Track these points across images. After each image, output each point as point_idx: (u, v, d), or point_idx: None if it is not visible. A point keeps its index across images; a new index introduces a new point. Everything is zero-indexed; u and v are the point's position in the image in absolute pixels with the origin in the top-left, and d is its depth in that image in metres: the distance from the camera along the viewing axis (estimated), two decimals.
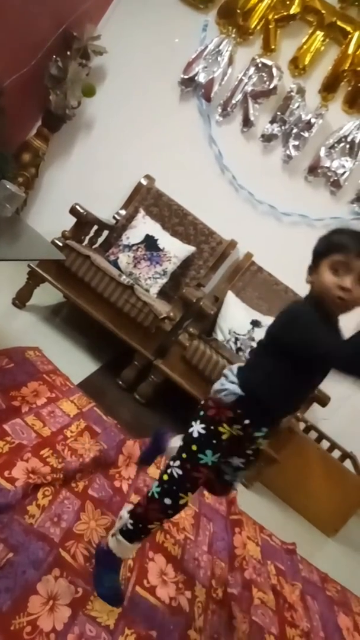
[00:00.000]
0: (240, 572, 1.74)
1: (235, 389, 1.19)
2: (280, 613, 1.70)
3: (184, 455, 1.21)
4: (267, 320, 2.75)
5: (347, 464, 2.79)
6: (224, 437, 1.19)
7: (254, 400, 1.18)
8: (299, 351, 1.12)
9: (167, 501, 1.20)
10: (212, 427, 1.19)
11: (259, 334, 2.71)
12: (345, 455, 2.86)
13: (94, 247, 2.78)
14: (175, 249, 2.70)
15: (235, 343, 2.71)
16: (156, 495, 1.21)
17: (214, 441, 1.19)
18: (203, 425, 1.20)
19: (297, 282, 2.90)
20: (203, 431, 1.20)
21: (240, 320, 2.75)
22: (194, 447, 1.20)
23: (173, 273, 2.71)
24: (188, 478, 1.19)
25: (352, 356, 1.02)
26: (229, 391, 1.19)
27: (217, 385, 1.23)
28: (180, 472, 1.20)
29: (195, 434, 1.20)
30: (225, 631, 1.44)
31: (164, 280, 2.67)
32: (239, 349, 2.69)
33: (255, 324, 2.74)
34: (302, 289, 3.10)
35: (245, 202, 3.00)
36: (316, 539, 2.49)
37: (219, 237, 2.90)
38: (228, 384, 1.20)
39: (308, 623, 1.76)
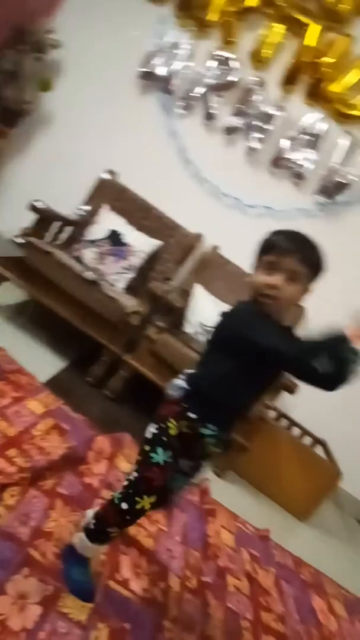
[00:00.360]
0: (214, 560, 1.76)
1: (182, 383, 1.23)
2: (255, 599, 1.73)
3: (138, 458, 1.22)
4: None
5: (318, 450, 2.84)
6: (172, 432, 1.20)
7: (198, 394, 1.21)
8: (246, 348, 1.13)
9: (124, 506, 1.18)
10: (161, 424, 1.21)
11: None
12: (316, 441, 2.92)
13: (57, 243, 2.74)
14: (141, 244, 2.70)
15: (205, 336, 2.72)
16: (116, 500, 1.20)
17: (164, 438, 1.19)
18: (155, 425, 1.23)
19: None
20: (155, 430, 1.22)
21: (208, 313, 2.76)
22: (147, 447, 1.21)
23: (140, 268, 2.71)
24: (142, 480, 1.18)
25: (301, 354, 1.07)
26: (176, 386, 1.23)
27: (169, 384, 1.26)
28: (135, 474, 1.20)
29: (148, 435, 1.22)
30: (200, 619, 1.45)
31: (131, 275, 2.66)
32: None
33: None
34: None
35: (210, 195, 3.01)
36: (290, 525, 2.54)
37: (185, 230, 2.91)
38: (177, 380, 1.24)
39: (283, 607, 1.79)
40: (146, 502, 1.18)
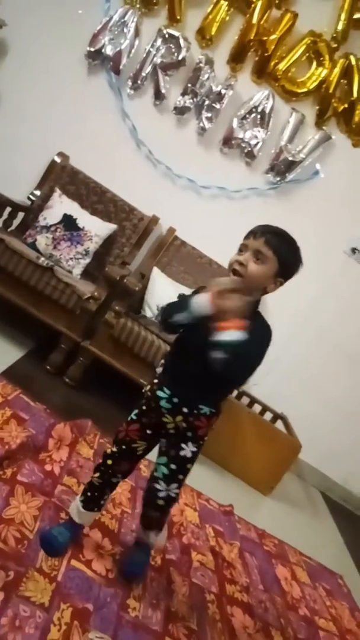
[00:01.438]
0: (178, 538, 1.79)
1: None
2: (219, 572, 1.77)
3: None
4: None
5: (279, 424, 2.91)
6: (144, 396, 1.39)
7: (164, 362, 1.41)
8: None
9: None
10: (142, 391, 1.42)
11: None
12: (277, 416, 2.99)
13: (9, 230, 2.68)
14: (96, 228, 2.66)
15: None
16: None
17: (141, 401, 1.40)
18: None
19: (220, 254, 2.95)
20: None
21: (167, 296, 2.76)
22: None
23: (96, 252, 2.67)
24: (116, 433, 1.42)
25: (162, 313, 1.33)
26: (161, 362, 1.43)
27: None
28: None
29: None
30: (164, 595, 1.48)
31: (87, 260, 2.63)
32: None
33: None
34: (224, 260, 3.15)
35: (164, 177, 2.99)
36: (254, 499, 2.60)
37: (140, 213, 2.88)
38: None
39: (247, 578, 1.84)
40: (109, 449, 1.42)
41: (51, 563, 1.29)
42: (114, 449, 1.40)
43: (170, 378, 1.35)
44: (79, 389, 2.43)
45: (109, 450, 1.41)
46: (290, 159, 2.89)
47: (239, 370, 1.22)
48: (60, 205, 2.66)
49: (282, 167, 2.91)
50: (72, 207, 2.67)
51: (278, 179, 2.94)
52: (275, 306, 3.03)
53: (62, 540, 1.37)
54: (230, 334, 1.15)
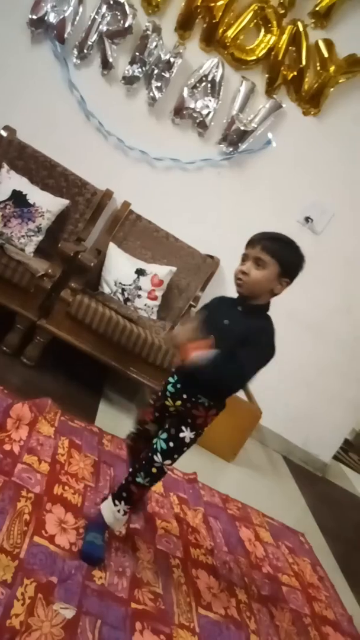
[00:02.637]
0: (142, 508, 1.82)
1: None
2: (184, 537, 1.82)
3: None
4: (152, 268, 2.78)
5: (240, 393, 2.97)
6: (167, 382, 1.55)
7: None
8: None
9: None
10: None
11: (145, 282, 2.74)
12: None
13: None
14: (48, 204, 2.60)
15: (123, 294, 2.71)
16: None
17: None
18: None
19: (176, 227, 2.95)
20: None
21: (124, 271, 2.75)
22: None
23: (49, 229, 2.62)
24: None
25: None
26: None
27: None
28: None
29: None
30: (130, 563, 1.52)
31: (40, 237, 2.57)
32: (126, 300, 2.70)
33: (140, 272, 2.76)
34: (181, 233, 3.15)
35: (116, 149, 2.93)
36: (217, 466, 2.66)
37: (93, 187, 2.83)
38: None
39: (211, 541, 1.90)
40: (131, 429, 1.66)
41: (13, 541, 1.30)
42: (134, 429, 1.66)
43: (181, 368, 1.50)
44: (38, 369, 2.41)
45: (129, 432, 1.68)
46: (242, 128, 2.88)
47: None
48: (9, 181, 2.58)
49: (234, 137, 2.90)
50: (21, 183, 2.59)
51: (231, 149, 2.93)
52: (232, 280, 3.08)
53: (98, 542, 1.47)
54: (198, 355, 1.30)
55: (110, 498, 1.52)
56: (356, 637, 1.89)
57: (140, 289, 2.72)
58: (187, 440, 1.46)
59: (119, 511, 1.49)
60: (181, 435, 1.45)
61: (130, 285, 2.72)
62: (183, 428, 1.45)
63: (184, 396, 1.45)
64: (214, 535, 1.95)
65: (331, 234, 3.10)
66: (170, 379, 1.53)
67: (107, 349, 2.43)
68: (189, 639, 1.36)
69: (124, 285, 2.72)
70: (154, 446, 1.47)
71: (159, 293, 2.78)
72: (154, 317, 2.77)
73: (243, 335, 1.37)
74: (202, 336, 1.36)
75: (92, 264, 2.41)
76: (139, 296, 2.72)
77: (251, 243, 1.42)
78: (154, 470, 1.46)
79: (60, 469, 1.73)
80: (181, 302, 2.95)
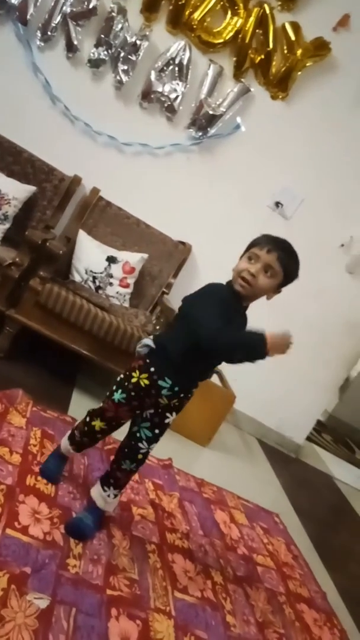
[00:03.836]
0: None
1: (150, 342, 1.50)
2: (160, 523, 1.83)
3: (107, 394, 1.55)
4: (123, 255, 2.76)
5: (214, 378, 2.99)
6: (133, 380, 1.49)
7: (159, 351, 1.47)
8: (189, 322, 1.40)
9: (87, 419, 1.61)
10: (127, 373, 1.52)
11: (116, 269, 2.71)
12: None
13: None
14: (14, 191, 2.54)
15: (94, 282, 2.68)
16: (86, 416, 1.62)
17: (125, 383, 1.51)
18: (124, 372, 1.54)
19: (146, 213, 2.92)
20: (122, 376, 1.54)
21: (95, 259, 2.72)
22: (113, 387, 1.54)
23: (16, 217, 2.56)
24: (100, 407, 1.57)
25: (214, 340, 1.32)
26: (144, 344, 1.51)
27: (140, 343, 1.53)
28: (101, 404, 1.58)
29: (118, 378, 1.55)
30: (105, 550, 1.52)
31: (6, 225, 2.52)
32: (98, 288, 2.68)
33: (111, 260, 2.73)
34: (152, 220, 3.13)
35: (84, 135, 2.88)
36: (193, 451, 2.68)
37: (61, 173, 2.78)
38: (147, 340, 1.51)
39: (187, 525, 1.92)
40: (97, 423, 1.57)
41: None
42: (103, 425, 1.57)
43: (173, 370, 1.45)
44: (8, 360, 2.37)
45: (97, 427, 1.57)
46: (211, 112, 2.86)
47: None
48: None
49: (203, 122, 2.88)
50: None
51: (200, 133, 2.91)
52: (204, 264, 3.09)
53: (87, 522, 1.53)
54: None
55: (98, 484, 1.58)
56: (330, 612, 1.94)
57: (111, 276, 2.70)
58: (171, 422, 1.53)
59: (109, 496, 1.56)
60: (166, 421, 1.52)
61: (101, 273, 2.69)
62: (168, 415, 1.51)
63: (181, 395, 1.49)
64: (189, 520, 1.97)
65: (301, 219, 3.12)
66: (163, 384, 1.45)
67: (79, 338, 2.40)
68: (165, 622, 1.38)
69: (95, 273, 2.69)
70: (138, 434, 1.51)
71: (130, 280, 2.76)
72: (126, 304, 2.75)
73: None
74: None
75: (61, 251, 2.37)
76: (111, 284, 2.70)
77: (266, 247, 1.40)
78: (139, 456, 1.52)
79: (32, 459, 1.71)
80: (153, 289, 2.94)
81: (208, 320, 1.34)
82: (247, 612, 1.64)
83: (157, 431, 1.51)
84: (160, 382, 1.46)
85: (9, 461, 1.62)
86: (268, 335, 1.31)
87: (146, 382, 1.47)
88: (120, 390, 1.51)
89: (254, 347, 1.32)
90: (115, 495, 1.57)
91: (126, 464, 1.53)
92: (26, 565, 1.26)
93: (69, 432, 1.67)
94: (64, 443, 1.67)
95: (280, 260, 1.40)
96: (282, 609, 1.78)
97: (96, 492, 1.58)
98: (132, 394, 1.49)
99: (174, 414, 1.52)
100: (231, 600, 1.64)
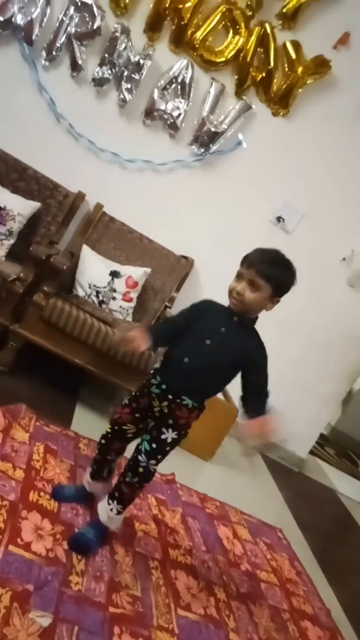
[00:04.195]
0: None
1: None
2: (162, 539, 1.83)
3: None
4: (126, 270, 2.78)
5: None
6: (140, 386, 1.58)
7: (164, 357, 1.55)
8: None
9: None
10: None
11: (119, 284, 2.73)
12: None
13: None
14: (19, 207, 2.57)
15: (97, 296, 2.70)
16: None
17: (135, 391, 1.60)
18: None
19: (149, 228, 2.95)
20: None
21: (98, 273, 2.74)
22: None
23: (21, 232, 2.60)
24: (112, 414, 1.62)
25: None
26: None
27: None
28: None
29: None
30: (108, 567, 1.52)
31: (11, 241, 2.55)
32: (101, 302, 2.70)
33: (115, 274, 2.75)
34: (155, 235, 3.15)
35: (88, 151, 2.92)
36: (195, 465, 2.68)
37: (65, 189, 2.81)
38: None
39: (190, 541, 1.92)
40: (106, 427, 1.62)
41: None
42: (108, 429, 1.62)
43: (163, 367, 1.53)
44: (11, 374, 2.38)
45: (104, 430, 1.62)
46: (213, 129, 2.90)
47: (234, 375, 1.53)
48: None
49: (205, 139, 2.92)
50: None
51: (202, 150, 2.94)
52: (206, 278, 3.11)
53: (68, 494, 1.67)
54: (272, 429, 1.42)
55: (105, 498, 1.59)
56: (334, 629, 1.93)
57: (114, 291, 2.72)
58: (170, 440, 1.51)
59: (112, 510, 1.56)
60: (162, 437, 1.51)
61: (104, 287, 2.71)
62: (164, 430, 1.51)
63: (169, 397, 1.50)
64: (192, 535, 1.97)
65: (302, 233, 3.15)
66: (154, 381, 1.53)
67: (83, 352, 2.42)
68: None
69: (99, 287, 2.71)
70: (139, 446, 1.53)
71: (133, 295, 2.78)
72: (129, 319, 2.77)
73: (243, 353, 1.50)
74: (194, 339, 1.50)
75: (64, 266, 2.40)
76: (114, 298, 2.72)
77: (246, 264, 1.44)
78: (140, 469, 1.52)
79: (35, 475, 1.72)
80: (156, 303, 2.96)
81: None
82: (250, 630, 1.63)
83: (154, 446, 1.51)
84: (152, 380, 1.54)
85: (12, 477, 1.62)
86: (256, 421, 1.44)
87: (144, 381, 1.58)
88: (129, 396, 1.61)
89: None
90: (119, 512, 1.57)
91: (129, 476, 1.54)
92: (29, 583, 1.26)
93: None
94: (85, 475, 1.73)
95: (260, 274, 1.41)
96: (286, 627, 1.77)
97: (101, 506, 1.60)
98: (136, 393, 1.58)
99: (169, 431, 1.50)
100: (234, 618, 1.64)
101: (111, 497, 1.57)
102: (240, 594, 1.79)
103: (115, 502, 1.56)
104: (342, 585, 2.34)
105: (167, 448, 1.53)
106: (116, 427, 1.60)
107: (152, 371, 1.59)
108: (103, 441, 1.62)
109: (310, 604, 1.99)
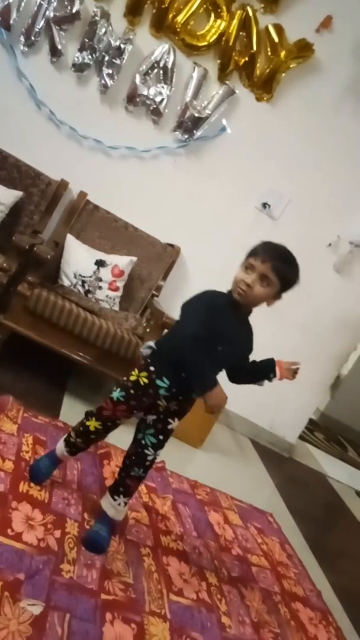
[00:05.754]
0: None
1: (152, 344, 1.54)
2: (154, 526, 1.83)
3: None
4: (112, 259, 2.76)
5: None
6: (132, 378, 1.51)
7: (160, 353, 1.51)
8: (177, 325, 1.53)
9: (84, 418, 1.60)
10: (129, 373, 1.53)
11: (105, 273, 2.71)
12: None
13: None
14: (0, 196, 2.54)
15: (83, 286, 2.68)
16: (84, 415, 1.62)
17: (125, 382, 1.53)
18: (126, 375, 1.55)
19: (134, 216, 2.92)
20: (124, 378, 1.54)
21: (84, 263, 2.72)
22: (114, 387, 1.55)
23: (3, 222, 2.56)
24: (98, 407, 1.57)
25: (187, 353, 1.40)
26: (147, 346, 1.54)
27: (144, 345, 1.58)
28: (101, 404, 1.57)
29: (121, 380, 1.57)
30: (99, 556, 1.51)
31: None
32: (87, 292, 2.67)
33: (100, 263, 2.73)
34: (140, 223, 3.12)
35: (70, 139, 2.88)
36: (185, 453, 2.68)
37: (48, 178, 2.77)
38: (150, 342, 1.55)
39: (181, 527, 1.92)
40: (92, 423, 1.56)
41: None
42: (97, 425, 1.56)
43: (172, 371, 1.47)
44: None
45: (92, 427, 1.56)
46: (197, 115, 2.87)
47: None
48: None
49: (189, 124, 2.89)
50: None
51: (186, 136, 2.92)
52: (193, 266, 3.09)
53: (46, 471, 1.65)
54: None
55: (107, 495, 1.59)
56: (325, 611, 1.95)
57: (100, 280, 2.70)
58: (174, 427, 1.56)
59: (119, 504, 1.58)
60: (169, 427, 1.55)
61: (90, 276, 2.69)
62: (170, 420, 1.54)
63: (180, 398, 1.51)
64: (183, 521, 1.97)
65: (288, 219, 3.14)
66: (161, 383, 1.48)
67: (69, 342, 2.40)
68: (160, 625, 1.37)
69: (84, 277, 2.68)
70: (143, 442, 1.54)
71: (120, 284, 2.76)
72: (116, 308, 2.75)
73: (249, 349, 1.59)
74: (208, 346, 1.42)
75: (49, 256, 2.37)
76: (100, 287, 2.70)
77: (258, 255, 1.43)
78: (147, 463, 1.56)
79: (25, 466, 1.70)
80: (143, 292, 2.94)
81: (188, 324, 1.43)
82: (242, 613, 1.64)
83: (161, 437, 1.54)
84: (158, 382, 1.48)
85: (1, 468, 1.61)
86: (277, 361, 1.57)
87: (145, 380, 1.49)
88: (119, 389, 1.52)
89: (197, 378, 1.42)
90: (125, 504, 1.59)
91: (135, 470, 1.56)
92: (20, 572, 1.25)
93: (65, 435, 1.66)
94: (60, 445, 1.65)
95: (275, 270, 1.42)
96: (278, 609, 1.78)
97: (106, 502, 1.59)
98: (131, 392, 1.50)
99: (176, 420, 1.55)
100: (226, 601, 1.64)
101: (116, 493, 1.57)
102: (232, 577, 1.80)
103: (121, 496, 1.57)
104: (332, 567, 2.37)
105: (171, 434, 1.57)
106: (109, 423, 1.57)
107: (152, 368, 1.49)
108: (93, 436, 1.59)
109: (301, 586, 2.01)
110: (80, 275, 2.68)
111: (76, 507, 1.66)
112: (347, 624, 1.98)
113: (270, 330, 3.26)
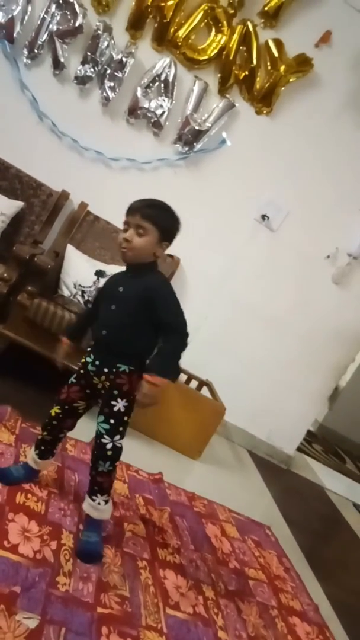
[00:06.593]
0: None
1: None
2: (151, 538, 1.82)
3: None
4: (112, 269, 2.76)
5: (205, 391, 3.00)
6: (82, 360, 1.60)
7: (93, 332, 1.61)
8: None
9: None
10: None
11: None
12: (202, 383, 3.07)
13: None
14: (2, 206, 2.56)
15: (83, 296, 2.69)
16: None
17: (78, 365, 1.61)
18: None
19: None
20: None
21: (83, 273, 2.73)
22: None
23: (4, 232, 2.58)
24: (57, 394, 1.64)
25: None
26: None
27: None
28: None
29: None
30: (96, 568, 1.50)
31: None
32: (87, 302, 2.68)
33: (100, 274, 2.74)
34: None
35: (71, 150, 2.90)
36: (183, 464, 2.68)
37: (49, 188, 2.80)
38: None
39: (178, 540, 1.91)
40: (53, 410, 1.63)
41: None
42: (57, 410, 1.62)
43: (93, 345, 1.58)
44: None
45: (53, 412, 1.62)
46: (197, 128, 2.90)
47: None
48: None
49: (189, 137, 2.92)
50: None
51: (186, 148, 2.94)
52: (193, 277, 3.10)
53: (17, 475, 1.64)
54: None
55: (87, 497, 1.58)
56: (322, 625, 1.94)
57: None
58: (123, 410, 1.52)
59: (99, 503, 1.56)
60: (115, 408, 1.52)
61: (90, 287, 2.70)
62: (114, 402, 1.52)
63: (105, 370, 1.53)
64: (180, 534, 1.96)
65: (287, 231, 3.16)
66: (88, 359, 1.56)
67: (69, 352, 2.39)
68: (156, 639, 1.37)
69: (84, 287, 2.69)
70: (98, 432, 1.54)
71: None
72: None
73: (142, 295, 1.47)
74: (103, 311, 1.54)
75: (49, 266, 2.38)
76: None
77: (130, 211, 1.48)
78: (108, 452, 1.53)
79: None
80: None
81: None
82: (239, 627, 1.63)
83: (112, 421, 1.52)
84: (86, 359, 1.57)
85: None
86: (146, 376, 1.42)
87: (83, 360, 1.59)
88: (74, 374, 1.61)
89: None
90: (106, 502, 1.57)
91: (101, 465, 1.54)
92: (15, 585, 1.25)
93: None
94: (30, 452, 1.69)
95: (146, 217, 1.45)
96: (274, 623, 1.77)
97: (87, 505, 1.58)
98: (81, 371, 1.59)
99: (119, 400, 1.51)
100: (223, 616, 1.63)
101: (92, 493, 1.57)
102: (229, 591, 1.79)
103: (98, 495, 1.56)
104: (330, 580, 2.35)
105: (125, 418, 1.53)
106: (67, 407, 1.61)
107: (89, 349, 1.60)
108: (55, 422, 1.63)
109: (299, 600, 2.00)
110: (80, 285, 2.69)
111: (72, 518, 1.65)
112: (344, 638, 1.96)
113: (269, 340, 3.29)
